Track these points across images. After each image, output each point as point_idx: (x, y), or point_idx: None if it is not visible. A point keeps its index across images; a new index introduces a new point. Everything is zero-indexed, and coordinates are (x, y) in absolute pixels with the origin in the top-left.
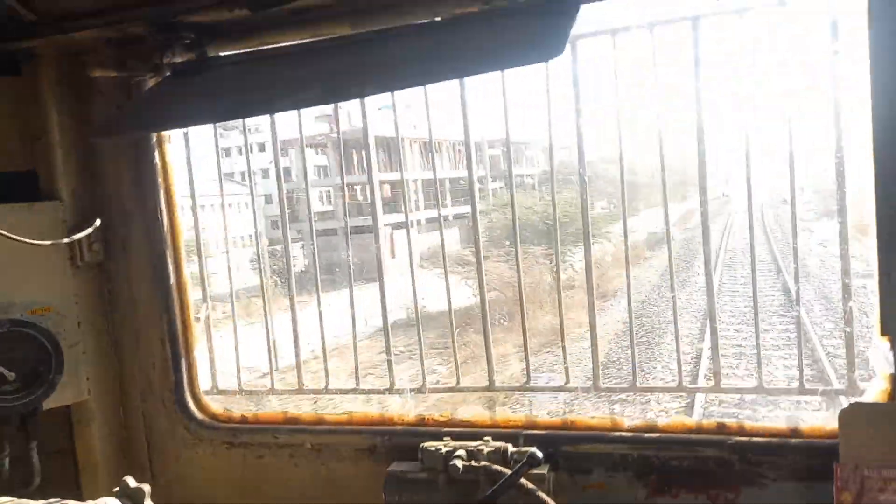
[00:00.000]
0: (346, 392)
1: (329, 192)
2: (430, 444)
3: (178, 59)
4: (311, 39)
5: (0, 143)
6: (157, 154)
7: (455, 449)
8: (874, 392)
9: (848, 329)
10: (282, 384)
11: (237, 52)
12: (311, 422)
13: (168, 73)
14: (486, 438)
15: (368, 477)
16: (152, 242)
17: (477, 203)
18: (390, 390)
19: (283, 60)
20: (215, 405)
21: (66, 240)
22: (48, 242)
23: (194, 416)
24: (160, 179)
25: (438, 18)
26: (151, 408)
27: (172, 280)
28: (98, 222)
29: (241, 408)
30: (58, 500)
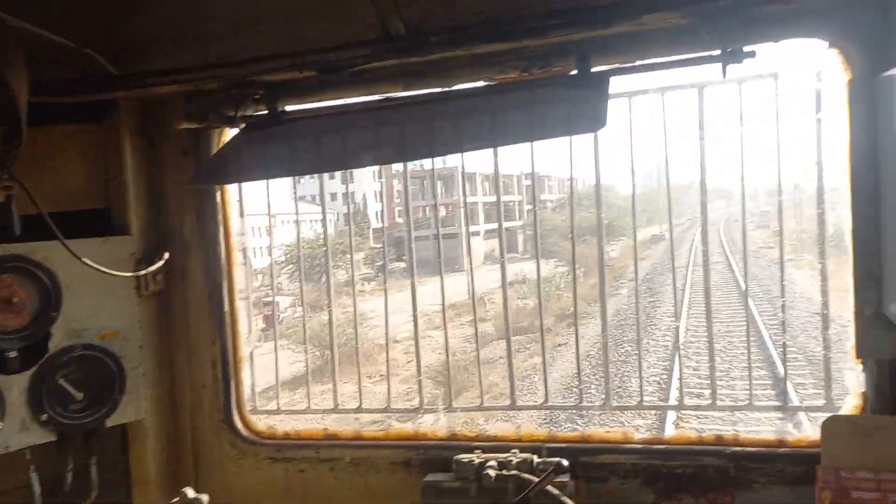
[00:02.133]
0: (379, 411)
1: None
2: (464, 456)
3: (250, 112)
4: (369, 98)
5: (81, 183)
6: (218, 193)
7: (486, 460)
8: (849, 406)
9: (827, 353)
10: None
11: (304, 106)
12: (350, 437)
13: (243, 125)
14: (513, 451)
15: (404, 488)
16: (210, 273)
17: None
18: (419, 409)
19: (351, 118)
20: (260, 424)
21: (142, 272)
22: (128, 274)
23: (240, 433)
24: (220, 216)
25: (481, 83)
26: (200, 425)
27: (226, 308)
28: (166, 256)
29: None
30: None
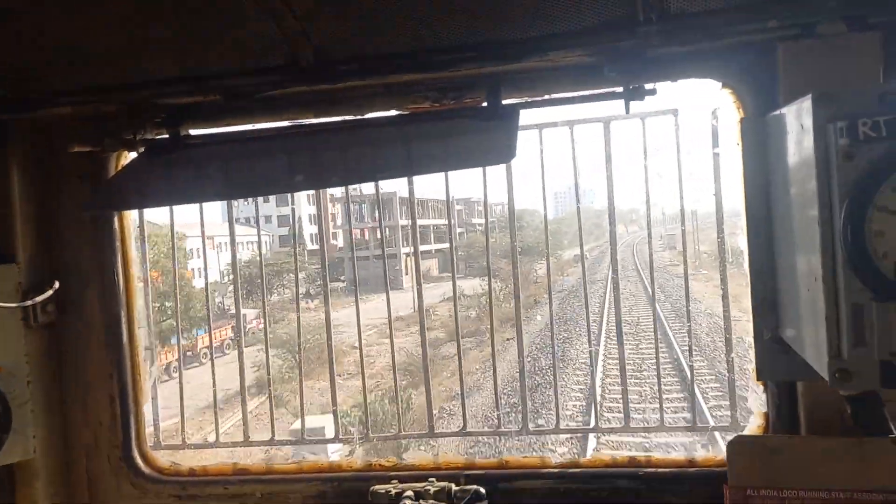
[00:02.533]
0: (293, 443)
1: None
2: (380, 487)
3: (150, 136)
4: (278, 124)
5: None
6: (115, 219)
7: (403, 490)
8: (752, 427)
9: (731, 375)
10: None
11: (210, 131)
12: (260, 472)
13: (142, 149)
14: (430, 479)
15: None
16: (107, 304)
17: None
18: (336, 439)
19: (260, 145)
20: (163, 460)
21: (28, 302)
22: (10, 305)
23: (141, 471)
24: (118, 243)
25: (394, 112)
26: (97, 464)
27: (125, 339)
28: (56, 285)
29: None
30: None
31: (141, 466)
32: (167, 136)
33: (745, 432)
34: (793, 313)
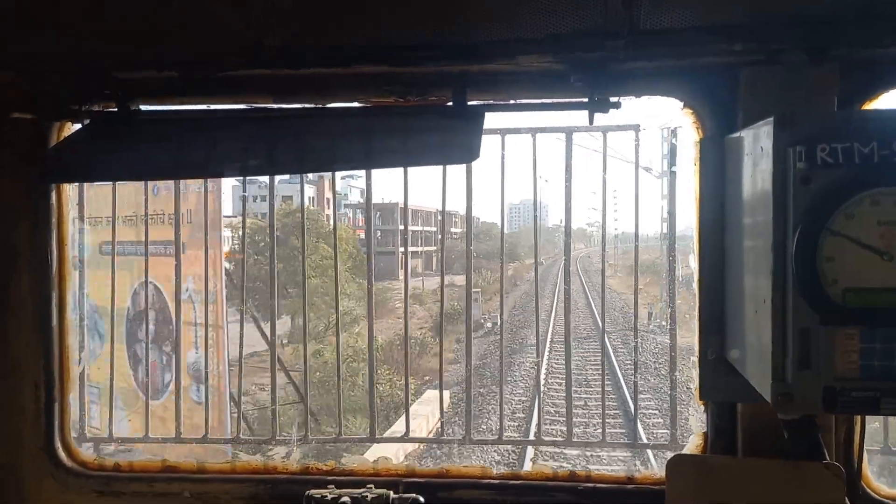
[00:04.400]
0: (227, 442)
1: None
2: (315, 492)
3: (97, 108)
4: (235, 107)
5: None
6: (53, 194)
7: (340, 496)
8: (691, 445)
9: (673, 394)
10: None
11: (162, 108)
12: (190, 470)
13: (87, 121)
14: (369, 486)
15: None
16: (38, 284)
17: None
18: (272, 440)
19: (216, 125)
20: (87, 453)
21: None
22: None
23: (63, 464)
24: (54, 220)
25: (356, 105)
26: (17, 455)
27: (55, 323)
28: None
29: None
30: None
31: (63, 459)
32: (116, 109)
33: (685, 451)
34: (738, 335)
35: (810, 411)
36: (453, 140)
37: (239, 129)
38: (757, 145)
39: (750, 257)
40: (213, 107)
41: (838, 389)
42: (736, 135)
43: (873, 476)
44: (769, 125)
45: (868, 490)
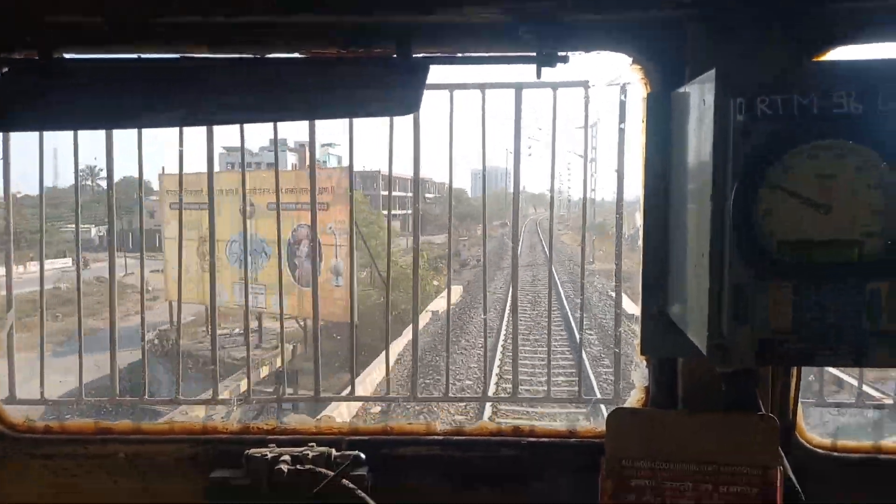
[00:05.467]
0: (166, 402)
1: None
2: (255, 451)
3: (17, 56)
4: (167, 56)
5: None
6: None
7: (280, 454)
8: (632, 400)
9: (617, 350)
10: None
11: (86, 56)
12: (126, 430)
13: (6, 70)
14: (310, 444)
15: (191, 487)
16: None
17: None
18: (213, 400)
19: (144, 74)
20: (16, 416)
21: None
22: None
23: None
24: None
25: (297, 55)
26: None
27: None
28: None
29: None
30: None
31: None
32: (37, 56)
33: (626, 405)
34: (679, 291)
35: (744, 364)
36: (396, 93)
37: (170, 78)
38: (700, 99)
39: (692, 213)
40: (144, 56)
41: (771, 342)
42: (682, 90)
43: (807, 427)
44: (711, 78)
45: (801, 440)
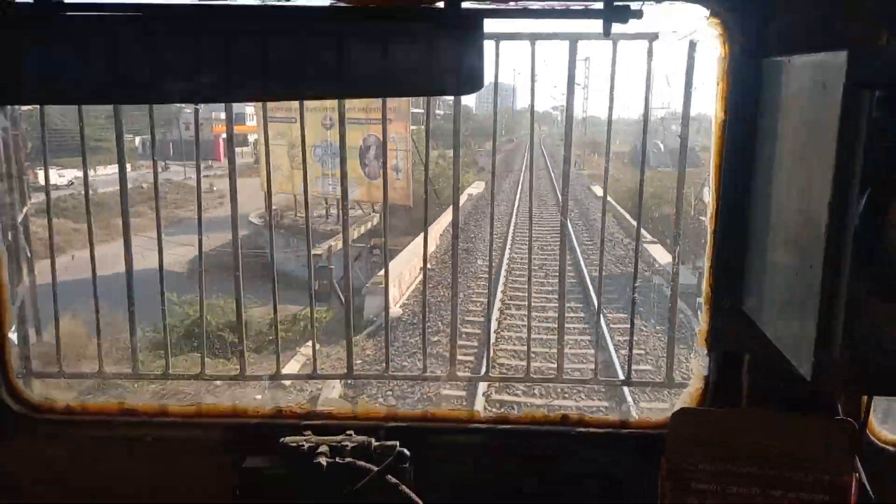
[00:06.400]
0: (190, 378)
1: None
2: (291, 440)
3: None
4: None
5: None
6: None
7: (317, 444)
8: (691, 388)
9: (671, 334)
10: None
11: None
12: (152, 412)
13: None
14: (348, 432)
15: (219, 474)
16: None
17: None
18: (240, 377)
19: (157, 24)
20: (37, 395)
21: None
22: None
23: (8, 406)
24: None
25: (327, 3)
26: None
27: None
28: None
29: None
30: None
31: (7, 400)
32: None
33: (685, 393)
34: (763, 287)
35: (856, 393)
36: (446, 57)
37: (188, 34)
38: (817, 80)
39: (796, 211)
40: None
41: (891, 370)
42: (780, 59)
43: (877, 421)
44: (840, 57)
45: (872, 438)
